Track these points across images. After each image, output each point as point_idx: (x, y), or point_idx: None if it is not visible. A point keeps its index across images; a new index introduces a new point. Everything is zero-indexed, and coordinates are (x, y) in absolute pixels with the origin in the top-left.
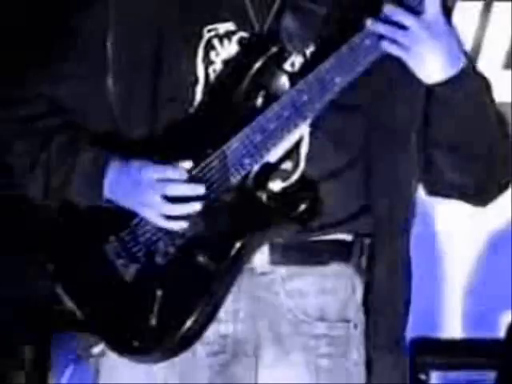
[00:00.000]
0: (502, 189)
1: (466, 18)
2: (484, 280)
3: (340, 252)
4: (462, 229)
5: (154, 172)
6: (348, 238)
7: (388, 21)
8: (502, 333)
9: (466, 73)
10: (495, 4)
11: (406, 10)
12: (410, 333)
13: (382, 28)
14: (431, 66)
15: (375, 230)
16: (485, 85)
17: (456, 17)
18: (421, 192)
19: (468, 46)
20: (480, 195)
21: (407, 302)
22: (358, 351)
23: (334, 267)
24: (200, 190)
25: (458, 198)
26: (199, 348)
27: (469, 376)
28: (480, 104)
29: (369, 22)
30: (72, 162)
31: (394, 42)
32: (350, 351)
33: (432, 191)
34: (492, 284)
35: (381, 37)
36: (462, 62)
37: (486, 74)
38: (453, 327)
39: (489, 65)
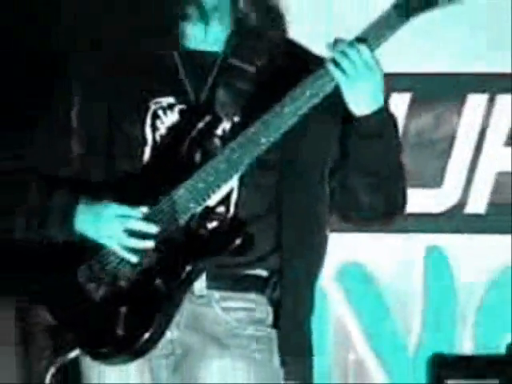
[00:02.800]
0: (403, 205)
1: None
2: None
3: (257, 285)
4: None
5: (116, 209)
6: (264, 273)
7: (343, 53)
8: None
9: (384, 109)
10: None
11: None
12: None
13: (337, 55)
14: (362, 100)
15: (283, 266)
16: (394, 120)
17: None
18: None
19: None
20: (389, 213)
21: (309, 319)
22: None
23: (253, 296)
24: (153, 228)
25: (368, 219)
26: (156, 351)
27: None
28: (391, 135)
29: (328, 63)
30: (47, 205)
31: (343, 71)
32: (274, 347)
33: (346, 216)
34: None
35: (336, 64)
36: (382, 101)
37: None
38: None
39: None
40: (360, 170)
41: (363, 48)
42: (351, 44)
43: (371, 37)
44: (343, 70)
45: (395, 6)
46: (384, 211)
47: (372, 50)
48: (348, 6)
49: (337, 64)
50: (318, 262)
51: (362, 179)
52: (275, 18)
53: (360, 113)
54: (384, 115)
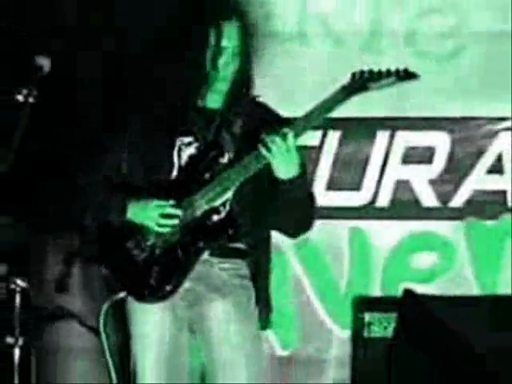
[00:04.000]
0: (310, 226)
1: None
2: None
3: (241, 254)
4: None
5: (155, 201)
6: (244, 247)
7: (272, 141)
8: None
9: (301, 174)
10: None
11: (276, 134)
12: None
13: (268, 141)
14: (283, 169)
15: (256, 243)
16: (306, 180)
17: None
18: None
19: None
20: (300, 232)
21: (270, 275)
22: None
23: (239, 260)
24: (178, 212)
25: (288, 235)
26: (176, 297)
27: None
28: (304, 190)
29: (260, 145)
30: (110, 203)
31: (268, 150)
32: (251, 293)
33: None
34: None
35: (263, 145)
36: (299, 169)
37: None
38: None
39: None
40: (282, 207)
41: (289, 135)
42: (279, 133)
43: (311, 117)
44: (271, 153)
45: (342, 88)
46: (296, 231)
47: (298, 135)
48: None
49: (267, 148)
50: (269, 244)
51: (283, 211)
52: (249, 87)
53: (282, 177)
54: (299, 179)
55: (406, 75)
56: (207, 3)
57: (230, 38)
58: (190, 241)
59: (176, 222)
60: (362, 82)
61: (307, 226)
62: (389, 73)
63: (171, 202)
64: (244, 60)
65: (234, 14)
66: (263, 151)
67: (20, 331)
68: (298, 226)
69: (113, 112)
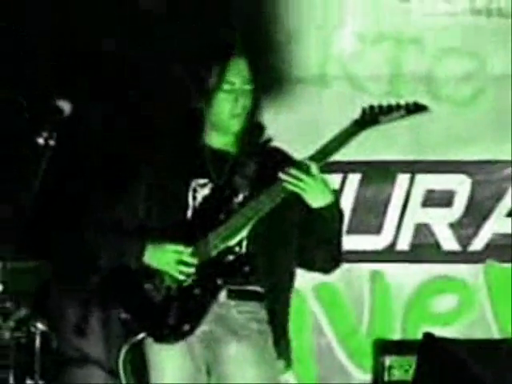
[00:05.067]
0: (339, 262)
1: None
2: None
3: (258, 297)
4: None
5: (172, 247)
6: (261, 290)
7: (290, 175)
8: None
9: (334, 201)
10: None
11: (298, 169)
12: None
13: (292, 175)
14: (315, 198)
15: (273, 287)
16: (339, 207)
17: None
18: None
19: None
20: (334, 267)
21: (289, 318)
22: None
23: (256, 303)
24: (194, 260)
25: (318, 271)
26: (194, 339)
27: None
28: (335, 219)
29: (282, 176)
30: (126, 247)
31: (295, 185)
32: (268, 337)
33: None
34: None
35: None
36: (331, 196)
37: None
38: None
39: None
40: (316, 239)
41: (312, 166)
42: (301, 164)
43: (325, 151)
44: (296, 186)
45: (353, 122)
46: (331, 264)
47: (321, 164)
48: None
49: (291, 183)
50: (292, 285)
51: (318, 245)
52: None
53: (316, 206)
54: (331, 207)
55: (416, 108)
56: (213, 42)
57: (237, 74)
58: (206, 280)
59: (193, 270)
60: (373, 116)
61: (341, 258)
62: (399, 106)
63: (189, 249)
64: (254, 100)
65: (241, 53)
66: (289, 187)
67: (40, 375)
68: (334, 257)
69: (128, 156)
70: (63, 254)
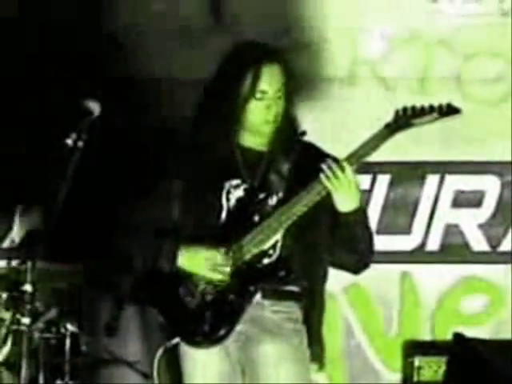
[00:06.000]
0: (370, 262)
1: None
2: None
3: (293, 297)
4: None
5: (205, 251)
6: (297, 289)
7: (331, 170)
8: None
9: (361, 206)
10: None
11: (335, 166)
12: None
13: (327, 171)
14: (344, 201)
15: (308, 286)
16: (365, 212)
17: None
18: None
19: None
20: (363, 268)
21: (323, 317)
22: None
23: (291, 303)
24: (228, 264)
25: (350, 271)
26: (229, 339)
27: None
28: (364, 222)
29: (322, 176)
30: (160, 251)
31: (331, 181)
32: (304, 336)
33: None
34: None
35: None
36: (359, 201)
37: None
38: None
39: None
40: (343, 242)
41: (346, 166)
42: (339, 162)
43: (358, 154)
44: (331, 182)
45: (386, 125)
46: (359, 266)
47: (353, 167)
48: None
49: (328, 177)
50: (324, 286)
51: (344, 248)
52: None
53: (344, 210)
54: (359, 212)
55: (449, 110)
56: (246, 48)
57: (270, 82)
58: (241, 285)
59: (227, 270)
60: (405, 119)
61: (369, 260)
62: (432, 109)
63: (222, 250)
64: (286, 102)
65: (273, 58)
66: (325, 182)
67: (70, 376)
68: (361, 259)
69: (164, 159)
70: (95, 256)
